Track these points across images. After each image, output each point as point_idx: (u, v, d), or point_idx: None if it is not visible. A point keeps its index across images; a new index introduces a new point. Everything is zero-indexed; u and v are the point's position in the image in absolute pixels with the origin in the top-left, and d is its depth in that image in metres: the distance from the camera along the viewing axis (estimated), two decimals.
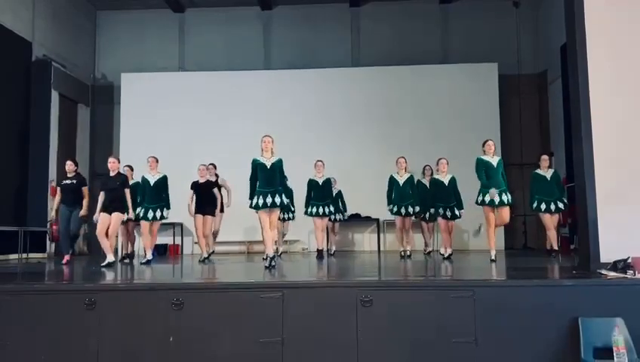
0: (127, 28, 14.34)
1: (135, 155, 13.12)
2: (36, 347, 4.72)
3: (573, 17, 6.04)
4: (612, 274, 5.05)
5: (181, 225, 12.90)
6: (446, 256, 8.56)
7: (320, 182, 9.37)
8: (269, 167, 7.16)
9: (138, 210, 8.79)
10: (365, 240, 12.94)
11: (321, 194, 9.30)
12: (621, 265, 5.06)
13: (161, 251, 12.70)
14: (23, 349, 4.72)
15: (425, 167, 9.93)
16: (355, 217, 12.67)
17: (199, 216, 9.27)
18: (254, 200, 6.98)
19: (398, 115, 13.01)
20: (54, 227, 12.07)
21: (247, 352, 4.63)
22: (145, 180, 8.85)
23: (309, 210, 9.31)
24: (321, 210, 9.23)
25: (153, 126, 13.17)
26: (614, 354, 4.18)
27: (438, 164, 8.91)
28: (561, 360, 4.52)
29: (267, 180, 7.06)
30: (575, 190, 6.78)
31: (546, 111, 13.52)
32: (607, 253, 5.48)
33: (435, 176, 8.87)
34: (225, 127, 13.15)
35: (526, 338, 4.58)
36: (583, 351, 4.42)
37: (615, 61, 5.89)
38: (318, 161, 9.52)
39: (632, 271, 4.92)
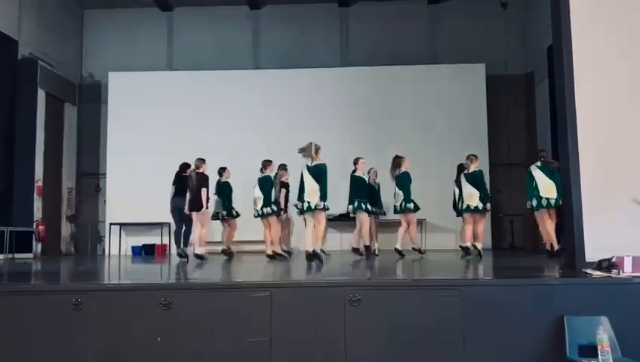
0: (115, 26, 14.25)
1: (122, 154, 13.12)
2: (22, 348, 4.68)
3: (559, 18, 6.10)
4: (597, 273, 5.10)
5: (169, 225, 12.84)
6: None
7: (367, 179, 9.41)
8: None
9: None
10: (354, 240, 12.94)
11: (366, 191, 9.27)
12: (606, 265, 5.10)
13: (148, 251, 12.67)
14: (7, 351, 4.68)
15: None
16: (344, 217, 12.65)
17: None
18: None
19: (387, 115, 13.05)
20: (40, 227, 11.99)
21: (235, 352, 4.62)
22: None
23: (355, 206, 9.16)
24: (369, 207, 9.20)
25: (141, 125, 13.11)
26: (599, 352, 4.22)
27: (468, 159, 9.05)
28: (547, 357, 4.56)
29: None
30: (561, 190, 6.85)
31: (532, 112, 13.61)
32: (593, 252, 5.53)
33: (472, 170, 8.94)
34: (213, 126, 13.11)
35: (512, 336, 4.61)
36: (569, 349, 4.46)
37: (601, 61, 5.95)
38: (361, 158, 9.40)
39: (616, 271, 4.97)
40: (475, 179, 8.84)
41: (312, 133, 12.93)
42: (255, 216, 9.15)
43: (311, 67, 13.51)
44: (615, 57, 5.94)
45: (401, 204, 9.12)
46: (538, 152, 9.30)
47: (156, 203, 12.67)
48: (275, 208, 8.98)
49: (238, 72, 13.56)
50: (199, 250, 8.87)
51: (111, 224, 12.82)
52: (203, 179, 8.92)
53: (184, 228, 9.43)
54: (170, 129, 13.10)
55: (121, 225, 12.79)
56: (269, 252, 8.99)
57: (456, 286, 4.85)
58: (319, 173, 7.87)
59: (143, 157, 12.98)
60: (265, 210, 8.97)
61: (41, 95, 12.47)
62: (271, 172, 9.34)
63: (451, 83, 13.12)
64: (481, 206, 8.75)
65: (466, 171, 9.08)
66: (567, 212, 6.07)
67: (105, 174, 13.41)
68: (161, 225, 12.73)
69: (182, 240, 9.35)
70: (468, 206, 8.81)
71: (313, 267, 7.45)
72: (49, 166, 12.77)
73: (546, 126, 12.28)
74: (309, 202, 7.86)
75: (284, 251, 9.50)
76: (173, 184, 9.66)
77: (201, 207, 8.82)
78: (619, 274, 4.94)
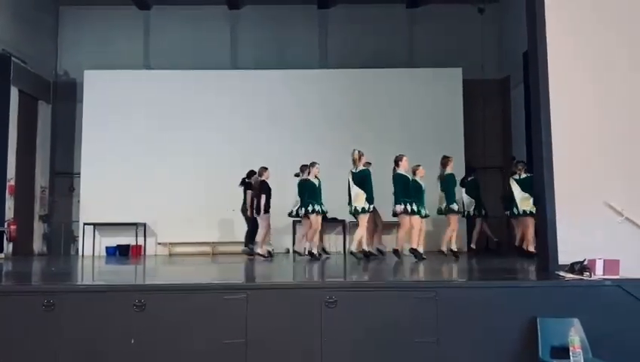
0: (91, 24, 14.03)
1: (97, 154, 12.93)
2: None
3: (534, 25, 6.20)
4: (569, 275, 5.19)
5: (144, 225, 12.72)
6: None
7: (410, 178, 8.88)
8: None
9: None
10: (331, 242, 12.95)
11: (412, 191, 8.76)
12: (578, 267, 5.20)
13: (123, 251, 12.52)
14: None
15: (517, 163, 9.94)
16: (322, 219, 12.68)
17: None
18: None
19: (364, 118, 13.06)
20: (12, 227, 11.77)
21: (211, 353, 4.60)
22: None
23: (405, 207, 8.55)
24: (416, 207, 8.60)
25: (116, 124, 12.91)
26: (570, 354, 4.30)
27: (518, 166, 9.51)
28: (520, 358, 4.63)
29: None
30: (535, 193, 6.95)
31: (508, 116, 13.79)
32: (566, 255, 5.63)
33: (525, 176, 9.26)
34: (190, 126, 12.98)
35: (486, 337, 4.68)
36: (541, 350, 4.53)
37: (574, 67, 6.07)
38: (404, 155, 9.02)
39: (587, 273, 5.07)
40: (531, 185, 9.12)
41: (288, 135, 13.01)
42: (294, 216, 9.84)
43: (289, 68, 13.47)
44: (589, 63, 6.07)
45: (445, 207, 9.15)
46: (517, 163, 9.77)
47: (131, 203, 12.57)
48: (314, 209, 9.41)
49: (216, 71, 13.45)
50: (261, 250, 9.54)
51: (85, 224, 12.63)
52: (263, 186, 9.74)
53: (249, 228, 10.32)
54: (146, 128, 12.93)
55: (95, 225, 12.61)
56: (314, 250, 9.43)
57: (431, 287, 4.89)
58: (363, 179, 8.48)
59: (118, 157, 12.82)
60: (301, 210, 9.47)
61: (14, 92, 12.21)
62: (309, 175, 9.58)
63: (428, 86, 13.20)
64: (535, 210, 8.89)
65: (517, 177, 9.42)
66: (541, 216, 6.17)
67: (79, 173, 13.19)
68: (136, 225, 12.58)
69: (245, 240, 10.33)
70: (524, 210, 9.08)
71: (294, 268, 7.44)
72: (22, 165, 12.53)
73: (521, 130, 12.44)
74: (355, 206, 8.48)
75: (378, 250, 9.81)
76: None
77: (260, 211, 9.70)
78: (590, 276, 5.04)
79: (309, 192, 9.49)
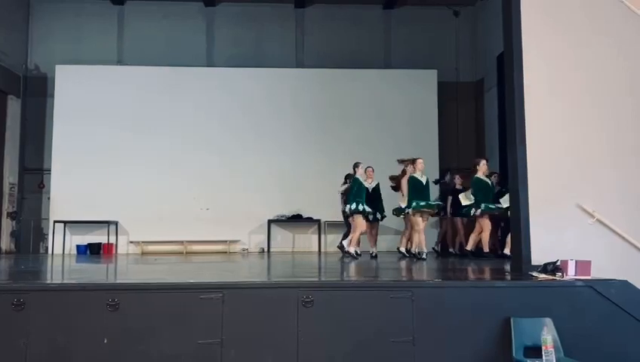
0: (63, 18, 13.75)
1: (68, 150, 12.69)
2: None
3: (510, 28, 6.27)
4: (542, 276, 5.27)
5: (116, 223, 12.54)
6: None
7: (424, 181, 9.16)
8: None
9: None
10: (306, 241, 12.96)
11: (427, 192, 9.17)
12: (551, 268, 5.29)
13: (94, 250, 12.32)
14: None
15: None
16: (297, 218, 12.69)
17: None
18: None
19: (340, 118, 13.11)
20: None
21: (186, 353, 4.55)
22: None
23: (483, 209, 9.22)
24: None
25: (88, 120, 12.69)
26: (543, 353, 4.37)
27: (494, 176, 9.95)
28: (494, 358, 4.68)
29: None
30: (508, 194, 7.04)
31: (481, 119, 13.96)
32: (539, 256, 5.72)
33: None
34: (162, 123, 12.84)
35: (461, 337, 4.72)
36: (515, 349, 4.59)
37: (549, 70, 6.17)
38: (419, 158, 9.35)
39: (560, 274, 5.16)
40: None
41: (264, 132, 12.96)
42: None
43: (265, 67, 13.42)
44: (563, 66, 6.17)
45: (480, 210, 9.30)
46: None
47: (103, 201, 12.38)
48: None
49: (191, 68, 13.32)
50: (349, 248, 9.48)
51: (55, 222, 12.39)
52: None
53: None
54: (118, 125, 12.73)
55: (66, 222, 12.37)
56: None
57: (407, 287, 4.92)
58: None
59: (89, 154, 12.62)
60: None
61: None
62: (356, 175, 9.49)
63: (404, 88, 13.29)
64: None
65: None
66: (515, 217, 6.25)
67: (49, 170, 12.94)
68: (107, 223, 12.38)
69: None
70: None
71: (271, 268, 7.40)
72: None
73: (494, 132, 12.62)
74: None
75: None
76: None
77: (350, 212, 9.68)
78: (563, 277, 5.13)
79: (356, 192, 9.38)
